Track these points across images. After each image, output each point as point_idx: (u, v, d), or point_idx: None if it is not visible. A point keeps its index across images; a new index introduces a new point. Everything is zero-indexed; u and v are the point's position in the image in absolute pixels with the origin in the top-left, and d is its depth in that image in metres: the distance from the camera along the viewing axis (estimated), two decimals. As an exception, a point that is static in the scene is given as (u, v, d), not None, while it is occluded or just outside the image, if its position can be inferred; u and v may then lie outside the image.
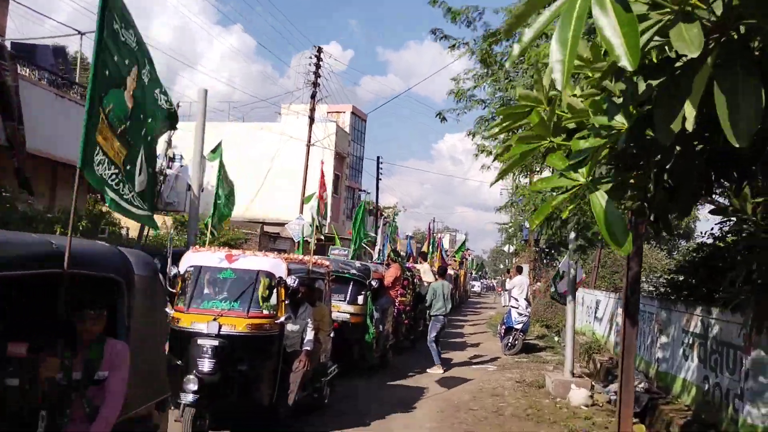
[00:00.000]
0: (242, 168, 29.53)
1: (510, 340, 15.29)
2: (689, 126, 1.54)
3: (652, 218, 2.65)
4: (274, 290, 6.91)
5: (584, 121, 2.00)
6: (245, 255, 7.14)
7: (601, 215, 1.90)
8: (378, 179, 36.72)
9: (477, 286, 56.79)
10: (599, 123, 1.84)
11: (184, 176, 15.95)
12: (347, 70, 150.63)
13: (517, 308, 15.85)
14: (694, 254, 11.45)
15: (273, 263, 7.06)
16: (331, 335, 9.01)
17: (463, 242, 28.51)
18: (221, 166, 11.23)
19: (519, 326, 15.30)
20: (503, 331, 15.78)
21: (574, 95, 2.03)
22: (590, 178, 1.95)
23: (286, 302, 7.05)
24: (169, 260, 8.03)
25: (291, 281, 6.86)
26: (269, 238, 27.24)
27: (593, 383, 11.01)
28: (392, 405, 8.95)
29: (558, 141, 2.05)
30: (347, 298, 11.07)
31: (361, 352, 11.05)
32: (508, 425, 8.22)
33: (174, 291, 7.03)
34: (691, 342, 9.10)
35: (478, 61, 8.16)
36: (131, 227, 25.34)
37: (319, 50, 23.71)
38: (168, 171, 16.09)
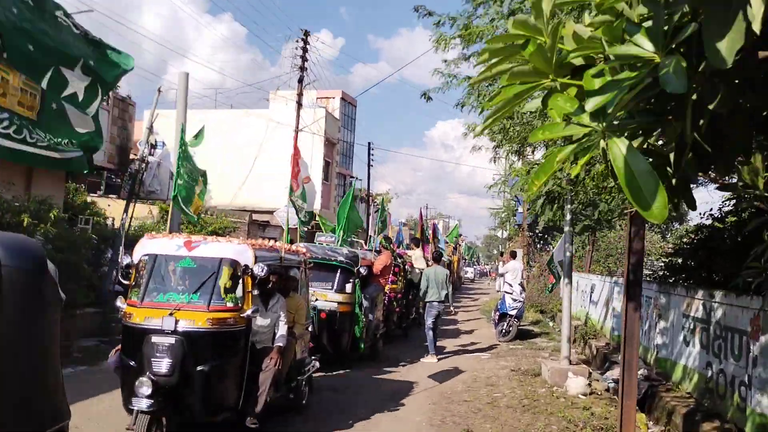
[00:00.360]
0: (230, 155, 29.02)
1: (504, 327, 14.92)
2: (756, 26, 1.10)
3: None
4: (240, 280, 6.23)
5: (594, 56, 1.56)
6: (206, 241, 6.42)
7: (623, 170, 1.45)
8: (369, 165, 36.25)
9: (470, 272, 56.54)
10: (619, 54, 1.39)
11: (166, 163, 15.43)
12: (338, 57, 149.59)
13: (512, 294, 15.47)
14: (693, 236, 11.10)
15: (237, 250, 6.36)
16: (309, 328, 8.44)
17: (455, 227, 28.08)
18: (182, 144, 10.79)
19: (513, 312, 14.93)
20: (497, 317, 15.41)
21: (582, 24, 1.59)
22: (605, 124, 1.49)
23: (255, 293, 6.49)
24: (121, 249, 7.44)
25: (258, 270, 6.18)
26: (258, 226, 26.76)
27: (590, 370, 10.64)
28: (381, 399, 8.53)
29: (562, 80, 1.61)
30: (335, 286, 10.56)
31: (350, 342, 10.60)
32: (503, 417, 7.81)
33: (127, 283, 6.38)
34: (692, 327, 8.73)
35: (460, 30, 7.62)
36: (116, 217, 24.88)
37: (306, 34, 23.11)
38: (150, 158, 15.53)
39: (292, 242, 12.95)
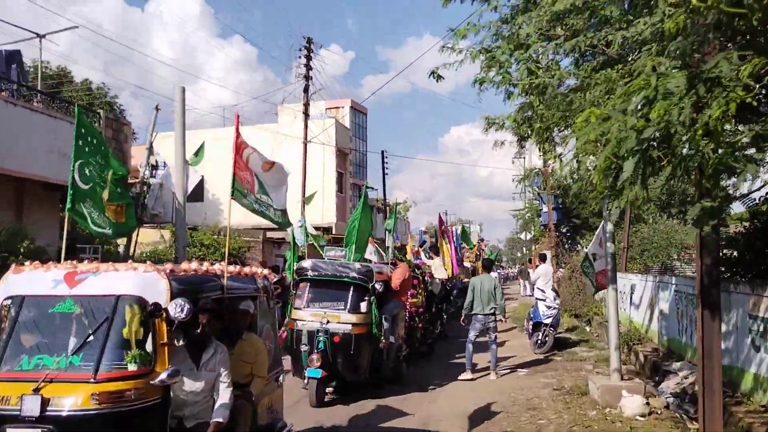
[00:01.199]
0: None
1: (540, 337, 13.67)
2: None
3: None
4: (149, 327, 4.31)
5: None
6: (98, 272, 4.49)
7: None
8: (384, 174, 35.21)
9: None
10: None
11: (169, 184, 14.48)
12: (349, 71, 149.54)
13: (545, 300, 14.23)
14: (747, 224, 9.86)
15: (144, 281, 4.39)
16: (281, 379, 6.30)
17: (462, 230, 26.49)
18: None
19: (548, 320, 13.68)
20: (531, 327, 14.17)
21: None
22: None
23: (179, 343, 4.80)
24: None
25: (176, 310, 4.20)
26: (273, 244, 25.78)
27: (645, 384, 9.39)
28: (406, 432, 7.38)
29: None
30: (348, 306, 9.38)
31: (369, 367, 9.45)
32: (552, 451, 6.62)
33: None
34: (762, 329, 7.50)
35: None
36: (131, 244, 24.06)
37: (309, 41, 22.19)
38: (152, 180, 14.59)
39: (301, 258, 11.94)
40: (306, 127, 22.72)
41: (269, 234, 25.50)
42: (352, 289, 9.51)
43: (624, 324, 16.59)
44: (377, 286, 9.62)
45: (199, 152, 14.33)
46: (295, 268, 10.19)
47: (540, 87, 5.72)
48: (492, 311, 11.37)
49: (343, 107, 33.16)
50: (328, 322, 9.08)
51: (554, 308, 13.89)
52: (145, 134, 33.83)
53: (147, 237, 24.58)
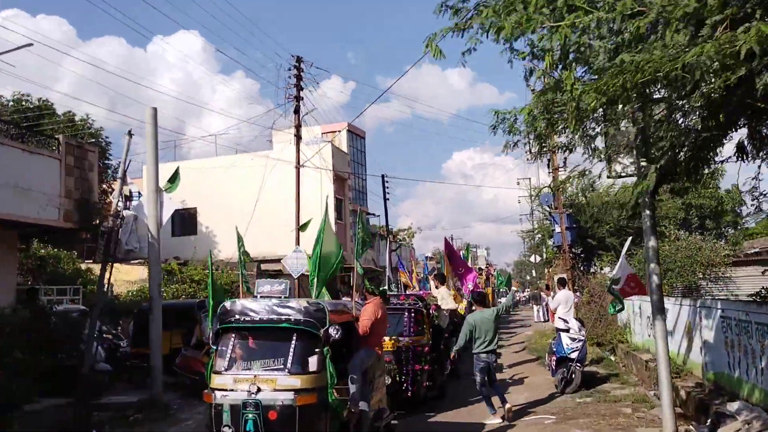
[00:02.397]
0: (235, 202, 26.66)
1: (565, 375, 12.00)
2: None
3: None
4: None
5: None
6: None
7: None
8: (385, 198, 33.74)
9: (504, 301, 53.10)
10: None
11: (142, 215, 13.00)
12: (350, 101, 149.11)
13: (568, 331, 12.61)
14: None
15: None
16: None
17: (467, 250, 24.68)
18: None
19: (574, 354, 12.03)
20: (554, 362, 12.51)
21: None
22: None
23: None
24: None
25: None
26: (269, 277, 24.20)
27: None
28: None
29: None
30: (288, 365, 6.52)
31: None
32: None
33: None
34: None
35: None
36: (115, 283, 22.75)
37: (299, 60, 20.89)
38: (125, 212, 13.10)
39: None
40: (298, 150, 21.31)
41: (264, 266, 23.98)
42: (295, 338, 6.63)
43: (653, 352, 14.92)
44: (332, 331, 6.61)
45: (174, 178, 12.86)
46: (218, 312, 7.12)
47: (583, 48, 4.23)
48: (495, 349, 10.79)
49: (339, 131, 31.82)
50: (258, 390, 6.33)
51: (580, 340, 12.26)
52: (95, 156, 32.47)
53: (134, 275, 23.17)
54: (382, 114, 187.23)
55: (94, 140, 25.05)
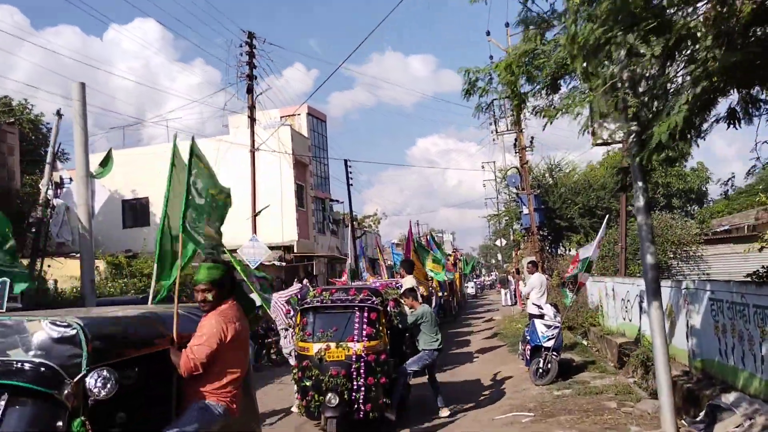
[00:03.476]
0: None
1: (541, 365, 11.14)
2: None
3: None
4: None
5: None
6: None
7: None
8: (349, 184, 32.61)
9: (471, 287, 52.22)
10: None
11: (71, 203, 11.71)
12: (313, 88, 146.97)
13: (542, 318, 11.77)
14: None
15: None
16: None
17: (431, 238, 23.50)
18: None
19: (549, 343, 11.17)
20: (528, 351, 11.64)
21: None
22: None
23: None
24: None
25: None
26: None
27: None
28: None
29: None
30: None
31: None
32: None
33: None
34: None
35: None
36: (61, 279, 21.41)
37: (251, 36, 19.51)
38: (56, 201, 11.78)
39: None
40: (252, 132, 20.02)
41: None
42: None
43: (628, 336, 14.23)
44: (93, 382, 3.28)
45: (106, 162, 11.57)
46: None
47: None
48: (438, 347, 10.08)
49: (299, 114, 30.50)
50: None
51: (555, 327, 11.40)
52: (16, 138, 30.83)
53: (73, 270, 21.66)
54: (347, 102, 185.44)
55: (33, 126, 23.41)
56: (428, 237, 25.60)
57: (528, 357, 11.68)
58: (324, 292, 9.24)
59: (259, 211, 18.50)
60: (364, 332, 8.57)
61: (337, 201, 35.87)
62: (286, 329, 9.98)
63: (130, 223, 28.89)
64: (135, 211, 29.05)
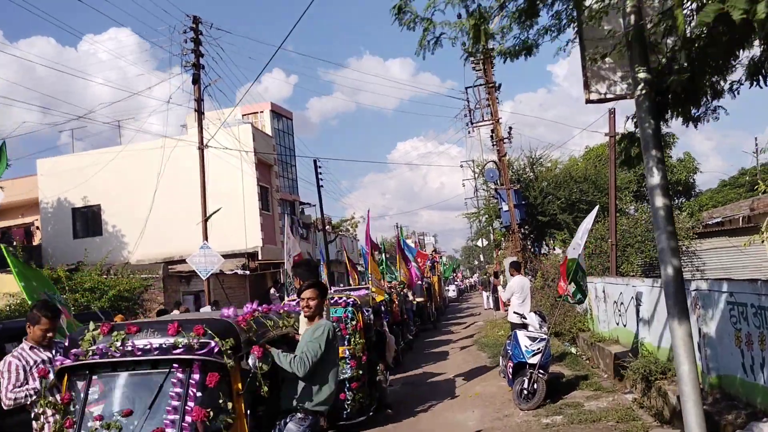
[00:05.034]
0: (143, 196, 23.23)
1: (526, 386, 9.37)
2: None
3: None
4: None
5: None
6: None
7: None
8: (319, 186, 30.71)
9: (452, 290, 50.40)
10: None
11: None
12: (294, 95, 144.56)
13: (525, 328, 10.03)
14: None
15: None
16: None
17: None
18: None
19: (535, 360, 9.42)
20: (511, 369, 9.87)
21: None
22: None
23: None
24: None
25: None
26: (180, 280, 20.98)
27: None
28: None
29: None
30: None
31: None
32: None
33: None
34: None
35: None
36: None
37: (196, 21, 17.56)
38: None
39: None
40: (201, 128, 18.08)
41: (173, 268, 20.75)
42: None
43: (623, 343, 12.57)
44: None
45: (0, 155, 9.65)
46: None
47: None
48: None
49: (262, 112, 28.56)
50: None
51: (541, 339, 9.66)
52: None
53: (11, 285, 19.63)
54: (327, 107, 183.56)
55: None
56: (403, 241, 23.82)
57: (510, 375, 9.91)
58: (114, 333, 4.53)
59: (210, 215, 16.60)
60: (187, 418, 4.25)
61: (308, 204, 33.93)
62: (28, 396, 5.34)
63: (82, 233, 26.76)
64: (86, 220, 26.93)
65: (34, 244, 28.25)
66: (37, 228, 28.15)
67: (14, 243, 27.06)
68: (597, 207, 10.68)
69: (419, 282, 22.71)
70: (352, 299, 9.45)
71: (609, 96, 5.00)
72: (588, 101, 4.93)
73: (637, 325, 11.79)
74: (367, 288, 12.73)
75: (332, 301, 8.81)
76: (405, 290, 18.54)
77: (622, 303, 12.80)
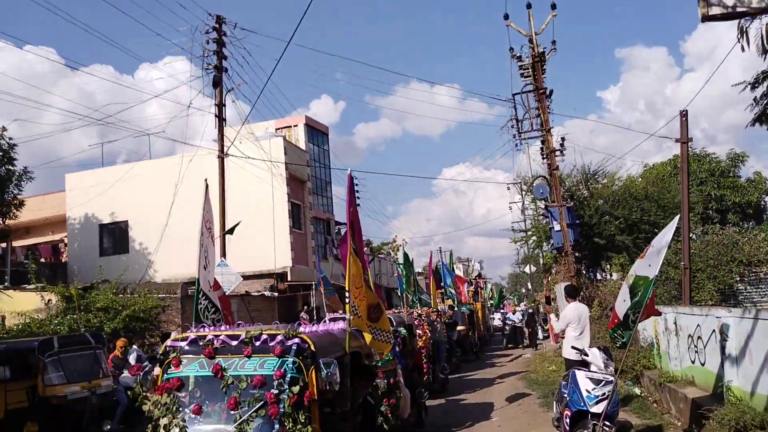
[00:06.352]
0: (172, 213, 22.01)
1: (587, 443, 7.36)
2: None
3: None
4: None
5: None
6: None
7: None
8: (356, 203, 29.00)
9: (498, 318, 47.60)
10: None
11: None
12: (340, 121, 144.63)
13: (587, 368, 8.05)
14: None
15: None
16: None
17: (405, 257, 18.81)
18: None
19: (599, 408, 7.43)
20: (568, 419, 7.87)
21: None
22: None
23: None
24: None
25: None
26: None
27: None
28: None
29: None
30: None
31: None
32: None
33: None
34: None
35: None
36: (6, 315, 18.45)
37: (220, 21, 16.28)
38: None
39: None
40: (221, 135, 16.74)
41: (192, 289, 19.33)
42: None
43: (700, 385, 10.46)
44: None
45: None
46: None
47: None
48: None
49: (296, 125, 27.23)
50: None
51: (607, 382, 7.66)
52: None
53: (22, 304, 18.51)
54: (370, 133, 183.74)
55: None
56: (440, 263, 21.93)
57: (567, 426, 7.91)
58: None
59: (229, 229, 15.09)
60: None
61: (344, 223, 32.29)
62: None
63: (109, 250, 25.72)
64: (113, 237, 25.91)
65: (62, 261, 27.40)
66: (65, 245, 27.31)
67: (40, 260, 26.28)
68: (677, 217, 8.67)
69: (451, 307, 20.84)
70: (297, 340, 5.36)
71: (739, 9, 3.15)
72: (706, 18, 3.09)
73: (721, 364, 9.70)
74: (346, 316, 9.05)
75: (257, 343, 5.35)
76: (437, 317, 16.29)
77: (699, 337, 10.73)
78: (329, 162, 29.58)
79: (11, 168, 22.39)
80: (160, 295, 18.42)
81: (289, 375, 5.03)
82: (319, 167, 28.52)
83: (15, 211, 22.05)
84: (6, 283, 21.63)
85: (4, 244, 23.93)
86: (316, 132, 28.37)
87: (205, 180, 8.31)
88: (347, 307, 6.35)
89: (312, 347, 5.28)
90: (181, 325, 17.91)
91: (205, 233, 8.33)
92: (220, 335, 5.43)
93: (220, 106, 16.47)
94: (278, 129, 26.93)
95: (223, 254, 16.33)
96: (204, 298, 8.07)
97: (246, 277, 16.26)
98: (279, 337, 5.28)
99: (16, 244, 25.57)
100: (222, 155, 16.54)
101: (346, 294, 6.39)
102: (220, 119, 16.63)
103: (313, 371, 5.12)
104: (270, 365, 5.11)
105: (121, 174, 24.97)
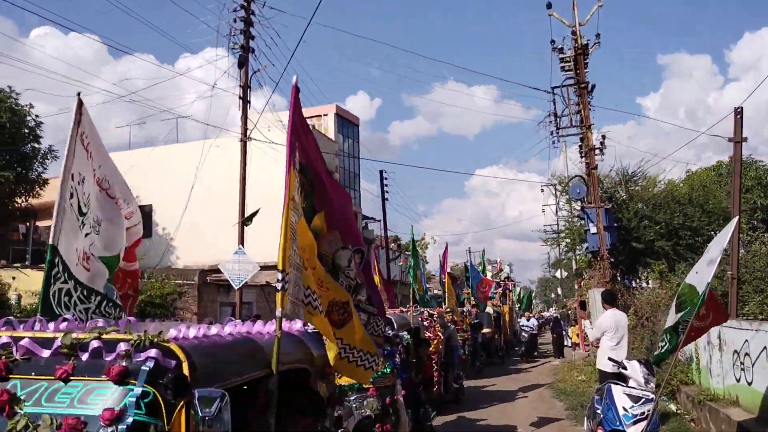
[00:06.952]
0: (201, 197, 21.58)
1: (623, 468, 6.53)
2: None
3: None
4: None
5: None
6: None
7: None
8: (384, 199, 28.37)
9: (523, 321, 46.40)
10: None
11: None
12: (375, 118, 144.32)
13: (625, 382, 7.22)
14: None
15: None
16: None
17: (413, 249, 17.54)
18: None
19: (637, 428, 6.60)
20: (601, 438, 7.05)
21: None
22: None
23: None
24: None
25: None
26: (218, 288, 19.02)
27: None
28: None
29: None
30: None
31: None
32: None
33: None
34: None
35: None
36: (25, 292, 18.40)
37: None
38: None
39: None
40: (245, 117, 16.17)
41: (211, 276, 18.82)
42: None
43: (745, 405, 9.53)
44: None
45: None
46: None
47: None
48: None
49: (326, 115, 26.58)
50: None
51: (646, 400, 6.82)
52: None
53: (37, 283, 18.31)
54: (406, 131, 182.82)
55: (12, 115, 20.43)
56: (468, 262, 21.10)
57: (600, 447, 7.08)
58: None
59: (248, 217, 14.52)
60: None
61: (372, 219, 31.64)
62: None
63: (135, 235, 25.43)
64: (139, 221, 25.64)
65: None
66: (91, 228, 27.09)
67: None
68: (737, 218, 7.76)
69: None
70: (155, 353, 2.68)
71: None
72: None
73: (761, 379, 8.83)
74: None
75: (84, 356, 2.73)
76: (454, 318, 15.11)
77: (747, 354, 9.80)
78: (358, 152, 28.88)
79: (36, 146, 22.20)
80: (177, 281, 17.97)
81: (129, 417, 2.50)
82: (348, 158, 27.83)
83: (39, 189, 21.84)
84: (27, 262, 21.50)
85: (27, 224, 23.79)
86: (346, 122, 27.67)
87: (78, 93, 3.67)
88: (279, 295, 3.57)
89: (184, 367, 2.69)
90: (197, 312, 17.40)
91: (78, 163, 4.28)
92: (21, 338, 2.82)
93: (245, 87, 15.88)
94: (308, 118, 26.35)
95: (241, 242, 15.74)
96: (65, 275, 4.12)
97: (266, 268, 15.62)
98: (122, 347, 2.69)
99: (39, 224, 25.39)
100: (244, 138, 15.96)
101: (278, 273, 3.57)
102: (245, 101, 16.06)
103: (182, 410, 2.60)
104: (98, 398, 2.62)
105: (146, 156, 24.64)
